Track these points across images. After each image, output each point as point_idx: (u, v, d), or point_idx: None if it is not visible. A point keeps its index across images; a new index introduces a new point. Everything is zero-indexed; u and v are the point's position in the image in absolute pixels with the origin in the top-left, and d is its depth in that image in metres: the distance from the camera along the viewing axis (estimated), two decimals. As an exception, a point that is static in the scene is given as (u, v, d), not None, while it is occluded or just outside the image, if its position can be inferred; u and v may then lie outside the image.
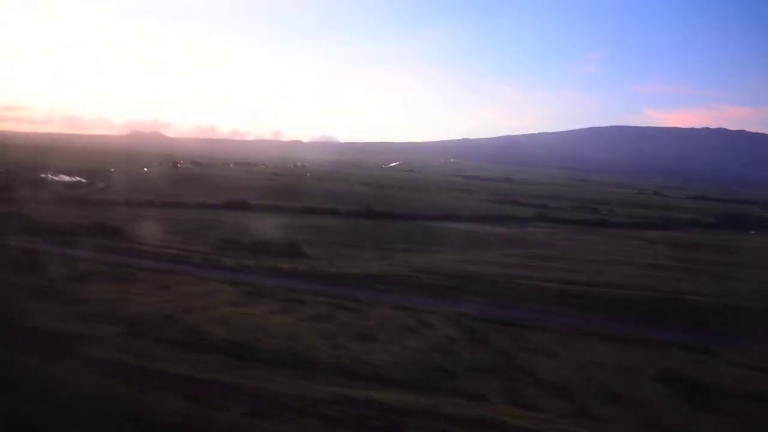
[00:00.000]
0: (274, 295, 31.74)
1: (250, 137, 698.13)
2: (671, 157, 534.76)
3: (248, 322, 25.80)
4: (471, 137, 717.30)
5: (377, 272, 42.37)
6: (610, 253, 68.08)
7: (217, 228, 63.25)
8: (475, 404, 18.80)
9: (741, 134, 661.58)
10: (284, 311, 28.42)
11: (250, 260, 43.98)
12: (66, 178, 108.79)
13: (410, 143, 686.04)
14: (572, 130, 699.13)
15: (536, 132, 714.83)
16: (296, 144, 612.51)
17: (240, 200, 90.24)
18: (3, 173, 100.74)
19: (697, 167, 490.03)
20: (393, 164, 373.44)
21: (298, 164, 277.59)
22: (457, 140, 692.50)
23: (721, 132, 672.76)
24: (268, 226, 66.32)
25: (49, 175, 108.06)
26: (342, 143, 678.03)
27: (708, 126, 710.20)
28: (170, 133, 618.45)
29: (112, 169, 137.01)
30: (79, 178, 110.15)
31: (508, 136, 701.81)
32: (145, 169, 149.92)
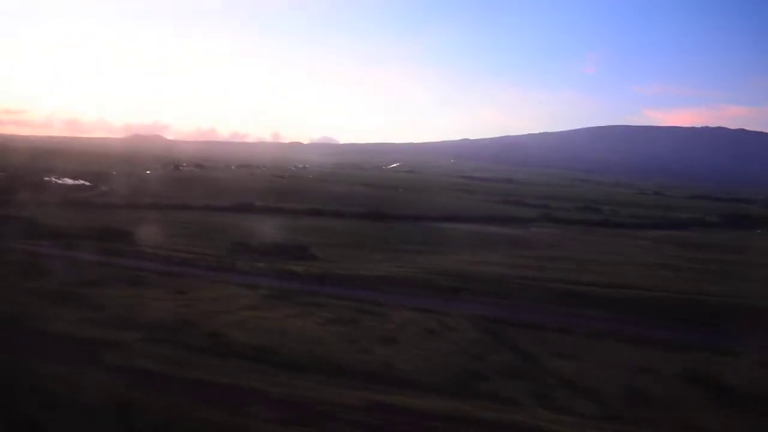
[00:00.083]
0: (291, 299, 31.50)
1: (249, 139, 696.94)
2: (671, 156, 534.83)
3: (269, 327, 25.59)
4: (471, 137, 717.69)
5: (390, 274, 42.19)
6: (618, 254, 67.87)
7: (225, 230, 62.95)
8: (508, 408, 18.61)
9: (740, 133, 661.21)
10: (303, 315, 28.21)
11: (262, 263, 43.75)
12: (69, 181, 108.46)
13: (410, 144, 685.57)
14: (572, 130, 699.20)
15: (536, 132, 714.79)
16: (296, 145, 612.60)
17: (245, 202, 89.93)
18: (6, 176, 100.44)
19: (696, 166, 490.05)
20: (393, 165, 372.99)
21: (299, 166, 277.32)
22: (457, 141, 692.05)
23: (721, 131, 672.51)
24: (275, 229, 66.06)
25: (53, 179, 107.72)
26: (342, 144, 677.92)
27: (707, 125, 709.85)
28: (170, 136, 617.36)
29: (114, 172, 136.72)
30: (82, 181, 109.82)
31: (507, 136, 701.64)
32: (148, 172, 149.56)
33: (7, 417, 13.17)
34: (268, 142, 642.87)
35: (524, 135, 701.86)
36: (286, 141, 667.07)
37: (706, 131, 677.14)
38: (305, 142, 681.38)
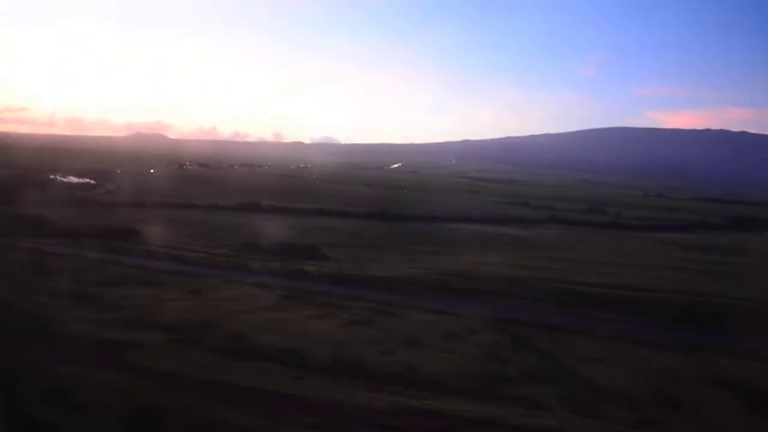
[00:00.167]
0: (308, 299, 31.24)
1: (251, 139, 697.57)
2: (672, 158, 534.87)
3: (291, 328, 25.32)
4: (472, 138, 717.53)
5: (403, 275, 41.91)
6: (629, 256, 67.71)
7: (233, 230, 62.77)
8: (541, 413, 18.32)
9: (743, 135, 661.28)
10: (323, 316, 27.94)
11: (274, 263, 43.50)
12: (74, 180, 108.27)
13: (411, 144, 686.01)
14: (573, 132, 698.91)
15: (537, 133, 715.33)
16: (297, 145, 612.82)
17: (251, 202, 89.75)
18: (11, 175, 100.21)
19: (698, 169, 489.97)
20: (395, 166, 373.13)
21: (301, 166, 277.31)
22: (459, 141, 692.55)
23: (723, 133, 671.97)
24: (282, 228, 65.83)
25: (58, 177, 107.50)
26: (343, 144, 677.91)
27: (709, 127, 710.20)
28: (172, 135, 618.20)
29: (118, 171, 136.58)
30: (87, 180, 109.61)
31: (509, 137, 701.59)
32: (152, 171, 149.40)
33: (31, 423, 12.90)
34: (269, 142, 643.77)
35: (525, 136, 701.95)
36: (288, 141, 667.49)
37: (708, 133, 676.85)
38: (306, 141, 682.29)
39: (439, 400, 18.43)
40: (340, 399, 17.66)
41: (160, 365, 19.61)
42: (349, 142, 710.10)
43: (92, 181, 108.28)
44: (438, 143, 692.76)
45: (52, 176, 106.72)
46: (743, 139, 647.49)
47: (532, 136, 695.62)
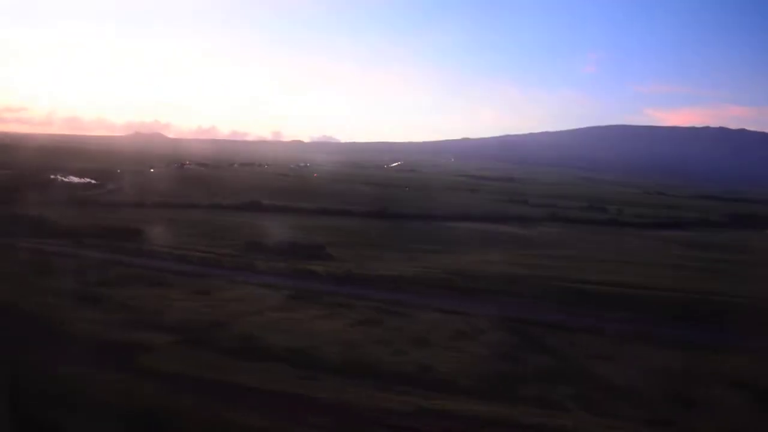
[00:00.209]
0: (315, 299, 31.12)
1: (250, 138, 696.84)
2: (672, 156, 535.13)
3: (300, 328, 25.21)
4: (471, 137, 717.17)
5: (408, 274, 41.77)
6: (629, 254, 67.59)
7: (236, 229, 62.60)
8: (555, 413, 18.23)
9: (741, 133, 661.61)
10: (331, 316, 27.83)
11: (279, 262, 43.33)
12: (75, 180, 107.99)
13: (411, 143, 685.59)
14: (573, 130, 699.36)
15: (537, 131, 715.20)
16: (297, 144, 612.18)
17: (253, 201, 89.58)
18: (12, 175, 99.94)
19: (697, 166, 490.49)
20: (394, 164, 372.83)
21: (301, 164, 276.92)
22: (458, 140, 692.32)
23: (722, 131, 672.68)
24: (285, 228, 65.62)
25: (59, 177, 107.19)
26: (342, 143, 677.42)
27: (708, 125, 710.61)
28: (171, 134, 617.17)
29: (119, 171, 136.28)
30: (88, 180, 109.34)
31: (508, 135, 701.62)
32: (152, 170, 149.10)
33: (41, 426, 12.74)
34: (268, 141, 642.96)
35: (525, 134, 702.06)
36: (287, 140, 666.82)
37: (707, 131, 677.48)
38: (306, 140, 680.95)
39: (452, 400, 18.35)
40: (351, 399, 17.56)
41: (168, 367, 19.49)
42: (348, 140, 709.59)
43: (93, 181, 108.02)
44: (437, 141, 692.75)
45: (52, 176, 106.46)
46: (742, 136, 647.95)
47: (531, 134, 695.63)
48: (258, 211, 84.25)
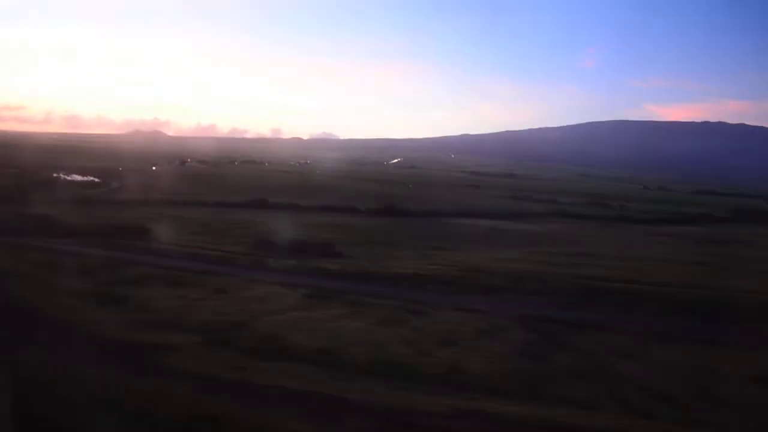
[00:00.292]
0: (333, 298, 30.87)
1: (249, 135, 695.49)
2: (671, 150, 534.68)
3: (323, 328, 24.96)
4: (471, 133, 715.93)
5: (423, 272, 41.48)
6: (642, 250, 67.27)
7: (244, 227, 62.32)
8: (591, 414, 18.02)
9: (741, 128, 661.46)
10: (352, 315, 27.57)
11: (292, 260, 43.05)
12: (78, 178, 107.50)
13: (410, 139, 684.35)
14: (572, 125, 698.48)
15: (536, 127, 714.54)
16: (297, 141, 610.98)
17: (258, 199, 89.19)
18: (15, 174, 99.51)
19: (697, 161, 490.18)
20: (395, 161, 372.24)
21: (302, 161, 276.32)
22: (457, 136, 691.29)
23: (721, 126, 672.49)
24: (293, 225, 65.33)
25: (62, 175, 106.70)
26: (342, 140, 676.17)
27: (708, 120, 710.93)
28: (170, 132, 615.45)
29: (120, 169, 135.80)
30: (92, 178, 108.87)
31: (508, 131, 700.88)
32: (154, 168, 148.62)
33: None
34: (268, 138, 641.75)
35: (524, 130, 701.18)
36: (287, 137, 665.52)
37: (706, 126, 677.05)
38: (305, 137, 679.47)
39: (487, 401, 18.13)
40: (386, 401, 17.33)
41: (198, 368, 19.26)
42: (347, 137, 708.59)
43: (96, 179, 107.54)
44: (437, 138, 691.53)
45: (56, 174, 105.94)
46: (741, 131, 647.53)
47: (530, 130, 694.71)
48: (264, 209, 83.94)
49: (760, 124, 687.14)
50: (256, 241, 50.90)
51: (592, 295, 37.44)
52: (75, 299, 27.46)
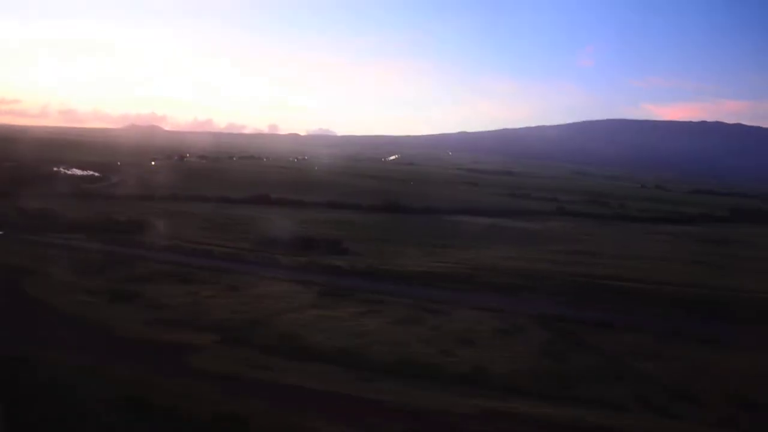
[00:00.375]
0: (347, 296, 30.65)
1: (246, 130, 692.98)
2: (668, 150, 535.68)
3: (341, 327, 24.74)
4: (468, 130, 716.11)
5: (433, 270, 41.36)
6: (644, 249, 67.29)
7: (250, 223, 61.92)
8: (619, 415, 17.88)
9: (738, 127, 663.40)
10: (369, 314, 27.34)
11: (300, 257, 42.81)
12: (78, 172, 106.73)
13: (408, 136, 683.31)
14: (570, 124, 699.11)
15: (534, 125, 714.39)
16: (294, 137, 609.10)
17: (261, 194, 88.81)
18: (15, 167, 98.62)
19: (694, 160, 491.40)
20: (392, 157, 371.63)
21: (300, 157, 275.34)
22: (455, 133, 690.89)
23: (718, 125, 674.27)
24: (298, 222, 65.15)
25: (62, 169, 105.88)
26: (339, 136, 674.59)
27: (705, 119, 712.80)
28: (167, 127, 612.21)
29: (119, 163, 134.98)
30: (92, 172, 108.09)
31: (505, 129, 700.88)
32: (153, 163, 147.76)
33: None
34: (265, 134, 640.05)
35: (522, 128, 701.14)
36: (284, 132, 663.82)
37: (703, 125, 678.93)
38: (302, 133, 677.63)
39: (517, 402, 17.93)
40: (415, 403, 17.11)
41: (219, 368, 19.00)
42: (344, 134, 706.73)
43: (96, 174, 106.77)
44: (434, 135, 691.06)
45: (56, 168, 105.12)
46: (738, 131, 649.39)
47: (528, 128, 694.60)
48: (267, 205, 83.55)
49: (757, 124, 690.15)
50: (262, 238, 50.61)
51: (599, 293, 37.44)
52: (88, 296, 27.14)
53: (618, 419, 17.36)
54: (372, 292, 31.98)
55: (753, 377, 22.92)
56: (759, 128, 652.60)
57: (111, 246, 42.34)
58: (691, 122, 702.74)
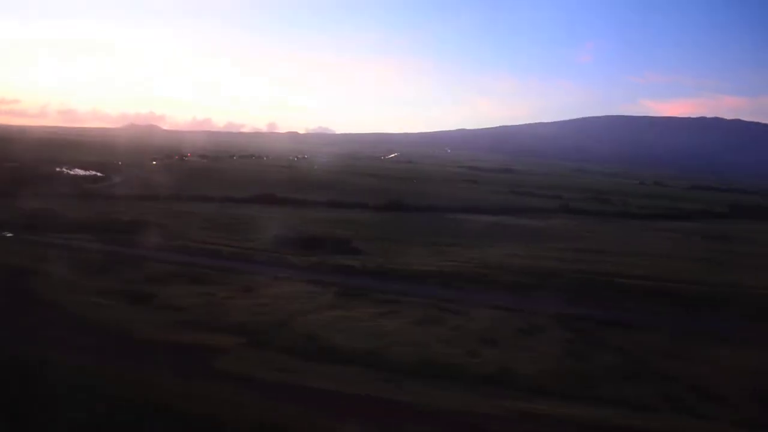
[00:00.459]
0: (364, 296, 30.59)
1: (245, 129, 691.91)
2: (667, 146, 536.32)
3: (362, 328, 24.66)
4: (467, 128, 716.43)
5: (444, 269, 41.26)
6: (646, 246, 67.26)
7: (256, 223, 61.66)
8: (647, 415, 17.88)
9: (736, 123, 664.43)
10: (389, 314, 27.27)
11: (310, 257, 42.67)
12: (80, 172, 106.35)
13: (406, 134, 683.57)
14: (568, 120, 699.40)
15: (532, 122, 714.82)
16: (293, 135, 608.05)
17: (265, 194, 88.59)
18: (17, 167, 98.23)
19: (692, 156, 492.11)
20: (391, 156, 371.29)
21: (299, 156, 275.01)
22: (453, 131, 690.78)
23: (717, 121, 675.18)
24: (304, 221, 64.98)
25: (64, 169, 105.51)
26: (338, 134, 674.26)
27: (704, 115, 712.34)
28: (166, 126, 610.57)
29: (120, 163, 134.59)
30: (93, 172, 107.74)
31: (504, 126, 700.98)
32: (154, 162, 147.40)
33: None
34: (264, 133, 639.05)
35: (520, 125, 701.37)
36: (283, 131, 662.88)
37: (702, 122, 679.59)
38: (301, 132, 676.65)
39: (545, 404, 17.92)
40: (443, 405, 17.10)
41: (248, 371, 18.92)
42: (343, 132, 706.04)
43: (98, 174, 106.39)
44: (433, 132, 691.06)
45: (58, 168, 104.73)
46: (737, 126, 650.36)
47: (527, 125, 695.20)
48: (271, 204, 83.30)
49: (755, 120, 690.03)
50: (271, 237, 50.42)
51: (607, 291, 37.43)
52: (104, 299, 27.00)
53: (645, 420, 17.41)
54: (386, 292, 31.92)
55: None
56: (758, 124, 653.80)
57: (118, 246, 42.18)
58: (689, 118, 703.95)
